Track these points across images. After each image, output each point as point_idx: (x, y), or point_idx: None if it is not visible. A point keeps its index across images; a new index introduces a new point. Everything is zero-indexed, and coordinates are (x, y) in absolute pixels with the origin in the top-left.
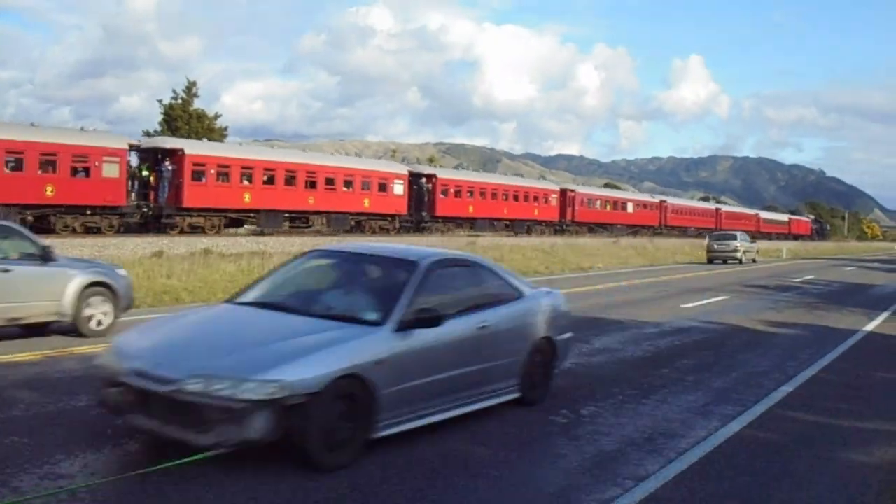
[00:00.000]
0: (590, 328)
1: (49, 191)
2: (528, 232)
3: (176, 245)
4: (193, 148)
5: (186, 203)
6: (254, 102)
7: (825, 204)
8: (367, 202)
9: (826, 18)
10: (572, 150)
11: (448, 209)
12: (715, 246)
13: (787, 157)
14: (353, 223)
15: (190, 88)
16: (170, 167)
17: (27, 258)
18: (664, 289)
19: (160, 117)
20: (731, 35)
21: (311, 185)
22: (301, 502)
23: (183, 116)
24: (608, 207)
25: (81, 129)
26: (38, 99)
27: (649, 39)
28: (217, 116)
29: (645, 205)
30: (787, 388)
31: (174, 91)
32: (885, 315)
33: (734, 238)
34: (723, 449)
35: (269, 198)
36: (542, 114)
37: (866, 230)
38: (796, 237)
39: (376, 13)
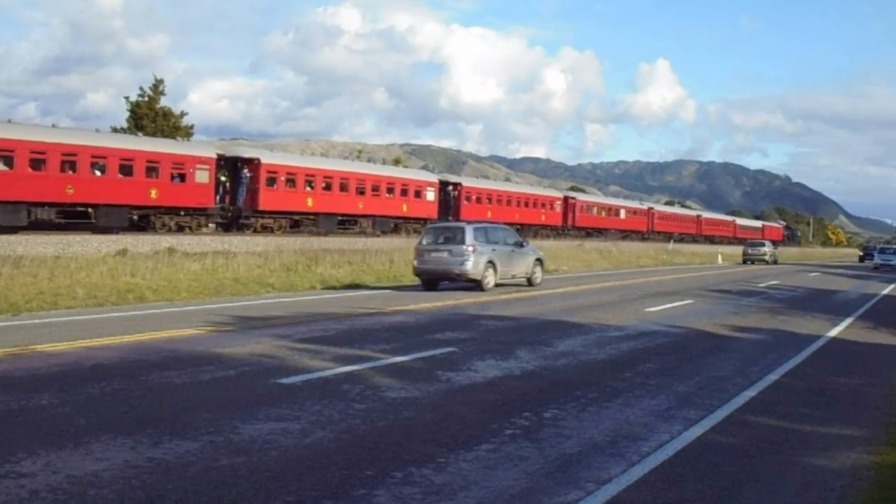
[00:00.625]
0: (553, 331)
1: (153, 194)
2: (535, 236)
3: (140, 244)
4: (268, 158)
5: (262, 206)
6: (220, 101)
7: (791, 209)
8: (405, 207)
9: (792, 25)
10: (538, 152)
11: (471, 213)
12: (749, 251)
13: (753, 162)
14: (392, 225)
15: (157, 86)
16: (248, 174)
17: (516, 244)
18: (628, 292)
19: (127, 115)
20: (698, 40)
21: (361, 191)
22: None
23: (149, 114)
24: (603, 214)
25: (175, 138)
26: (3, 95)
27: (616, 43)
28: (183, 114)
29: (635, 211)
30: (750, 393)
31: (141, 88)
32: (848, 321)
33: (763, 245)
34: (685, 453)
35: (328, 202)
36: (509, 116)
37: (831, 236)
38: (772, 243)
39: (344, 13)
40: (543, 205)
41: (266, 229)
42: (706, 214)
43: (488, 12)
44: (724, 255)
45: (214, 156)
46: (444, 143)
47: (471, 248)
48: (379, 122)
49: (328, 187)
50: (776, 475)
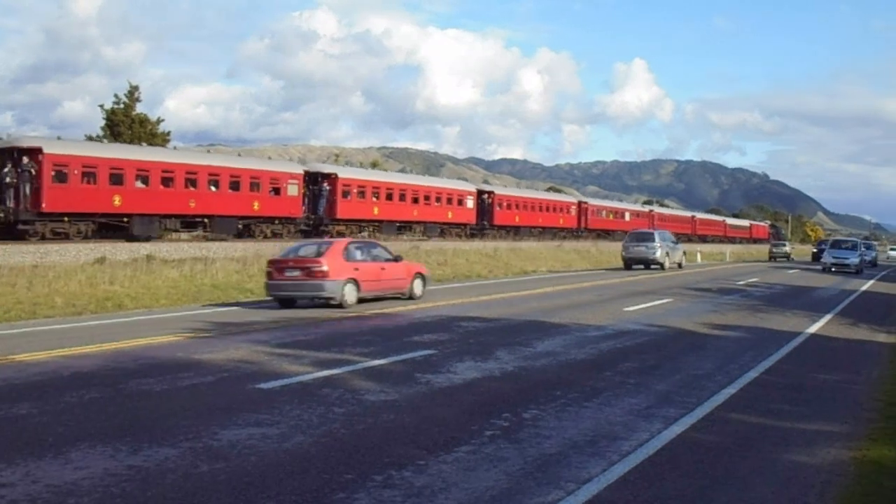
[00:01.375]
0: (532, 332)
1: (255, 206)
2: (553, 237)
3: (118, 251)
4: (344, 173)
5: (339, 215)
6: (197, 107)
7: (769, 207)
8: (450, 214)
9: (767, 24)
10: (516, 154)
11: (503, 219)
12: (774, 249)
13: (731, 160)
14: (439, 230)
15: (132, 93)
16: (327, 187)
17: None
18: (607, 292)
19: (103, 122)
20: (674, 40)
21: (415, 200)
22: None
23: (125, 121)
24: (612, 217)
25: (269, 158)
26: None
27: (593, 44)
28: (160, 121)
29: (638, 214)
30: (729, 391)
31: (116, 96)
32: (827, 317)
33: (785, 245)
34: (665, 451)
35: (389, 211)
36: (486, 118)
37: (810, 233)
38: (756, 241)
39: (320, 17)
40: (561, 209)
41: (341, 234)
42: (699, 215)
43: (464, 14)
44: (704, 254)
45: (302, 172)
46: (422, 146)
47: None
48: (356, 125)
49: (389, 197)
50: (757, 472)
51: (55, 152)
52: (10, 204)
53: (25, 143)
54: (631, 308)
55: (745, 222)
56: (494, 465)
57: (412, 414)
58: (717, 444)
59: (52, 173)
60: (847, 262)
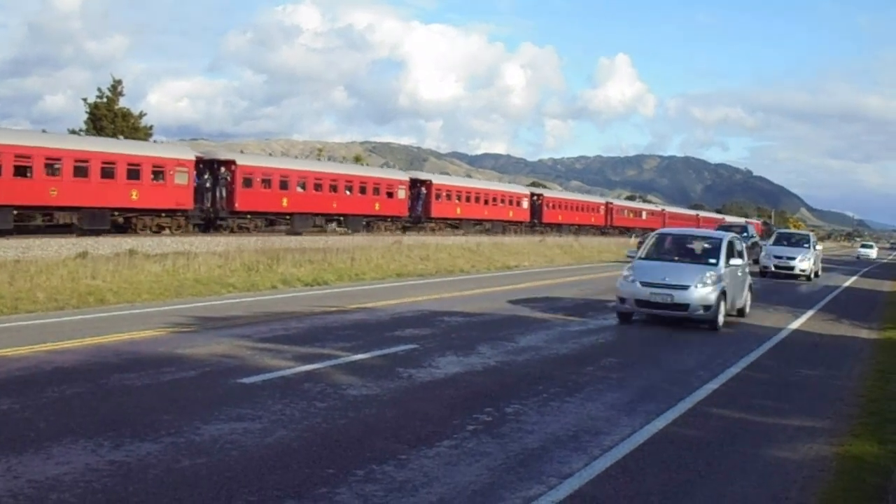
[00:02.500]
0: (514, 327)
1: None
2: (576, 233)
3: (101, 245)
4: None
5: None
6: (180, 101)
7: (752, 203)
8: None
9: (750, 21)
10: (499, 148)
11: (551, 218)
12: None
13: (714, 156)
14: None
15: (115, 87)
16: (423, 191)
17: None
18: (590, 287)
19: (85, 116)
20: (657, 35)
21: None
22: None
23: (108, 115)
24: (631, 215)
25: (364, 164)
26: None
27: (576, 38)
28: (142, 115)
29: (653, 213)
30: (711, 386)
31: (99, 90)
32: (810, 313)
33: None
34: (648, 446)
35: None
36: (469, 112)
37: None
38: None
39: (303, 11)
40: (592, 209)
41: (435, 230)
42: (703, 213)
43: (448, 9)
44: None
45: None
46: (405, 141)
47: None
48: (338, 120)
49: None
50: (738, 467)
51: (244, 164)
52: (208, 204)
53: (222, 156)
54: (613, 303)
55: (742, 220)
56: (476, 460)
57: (394, 408)
58: (698, 439)
59: (242, 180)
60: (791, 264)
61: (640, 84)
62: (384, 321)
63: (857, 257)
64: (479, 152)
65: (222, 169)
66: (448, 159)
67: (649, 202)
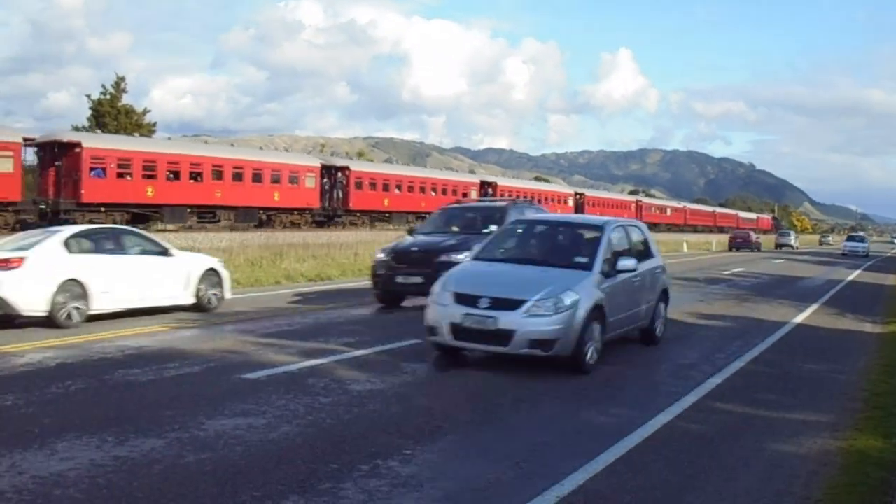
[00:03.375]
0: None
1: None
2: None
3: None
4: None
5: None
6: (182, 98)
7: (755, 197)
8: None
9: (751, 15)
10: (502, 143)
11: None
12: (780, 239)
13: (716, 150)
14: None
15: (118, 84)
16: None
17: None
18: None
19: (88, 113)
20: (659, 30)
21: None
22: None
23: (111, 112)
24: (657, 212)
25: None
26: None
27: (579, 33)
28: (146, 112)
29: (675, 209)
30: (715, 380)
31: (103, 87)
32: (814, 307)
33: (790, 235)
34: (652, 441)
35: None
36: (471, 108)
37: (796, 223)
38: (764, 231)
39: (305, 7)
40: (621, 206)
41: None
42: (719, 210)
43: (450, 5)
44: (691, 244)
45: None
46: (408, 136)
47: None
48: (341, 115)
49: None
50: (742, 462)
51: (356, 169)
52: (327, 203)
53: (339, 163)
54: None
55: (753, 215)
56: (481, 455)
57: (398, 403)
58: (702, 433)
59: (355, 183)
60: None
61: (641, 78)
62: (388, 316)
63: (844, 253)
64: (483, 147)
65: (339, 174)
66: (451, 154)
67: (652, 196)
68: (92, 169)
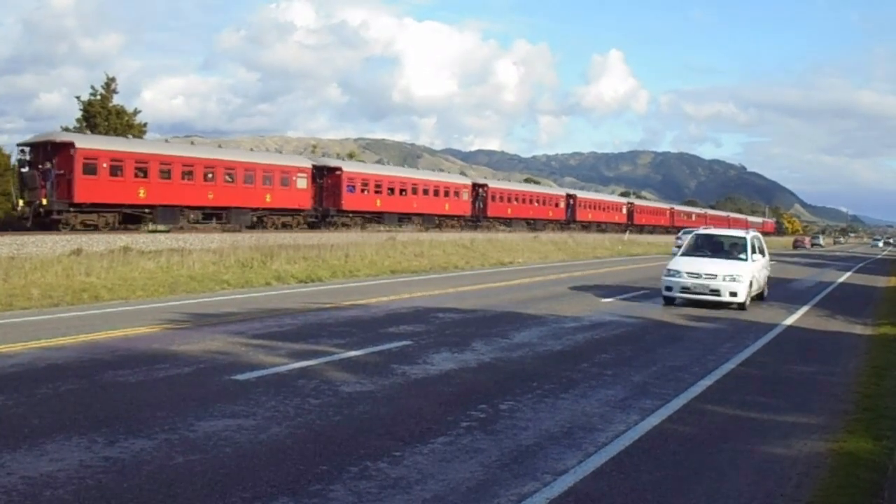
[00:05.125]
0: (509, 323)
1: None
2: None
3: (95, 243)
4: (495, 183)
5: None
6: (174, 98)
7: (746, 199)
8: (550, 213)
9: (743, 17)
10: (493, 145)
11: (582, 216)
12: (880, 244)
13: (707, 152)
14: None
15: (109, 84)
16: (483, 195)
17: None
18: (583, 283)
19: (79, 114)
20: (649, 31)
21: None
22: None
23: (102, 113)
24: (685, 217)
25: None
26: None
27: (570, 35)
28: (136, 112)
29: (699, 215)
30: (706, 382)
31: (93, 87)
32: (804, 309)
33: (880, 240)
34: (642, 443)
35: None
36: (462, 109)
37: (787, 224)
38: (766, 234)
39: (296, 9)
40: (611, 209)
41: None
42: (733, 215)
43: (442, 6)
44: None
45: (470, 184)
46: (399, 137)
47: None
48: (333, 116)
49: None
50: (733, 464)
51: (349, 171)
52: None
53: (331, 164)
54: (608, 299)
55: (760, 219)
56: (471, 457)
57: (388, 405)
58: (693, 435)
59: (347, 185)
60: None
61: (632, 80)
62: (378, 318)
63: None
64: (473, 149)
65: (331, 175)
66: (442, 156)
67: (643, 198)
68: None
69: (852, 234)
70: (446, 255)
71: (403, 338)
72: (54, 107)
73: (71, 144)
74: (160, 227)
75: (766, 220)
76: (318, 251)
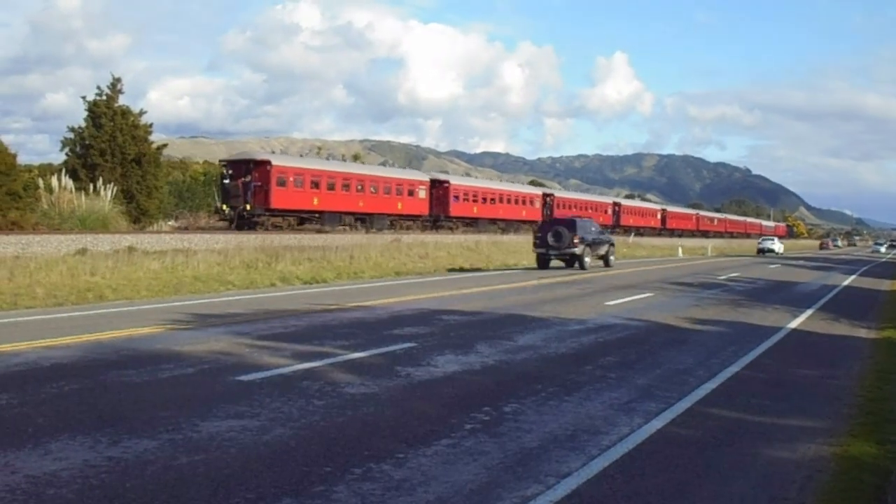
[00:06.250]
0: (513, 325)
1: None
2: (640, 234)
3: (100, 243)
4: (456, 180)
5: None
6: (180, 99)
7: (751, 202)
8: (524, 213)
9: (747, 19)
10: (498, 147)
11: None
12: (830, 244)
13: (711, 154)
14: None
15: (115, 85)
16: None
17: None
18: (588, 286)
19: (85, 114)
20: (654, 34)
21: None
22: None
23: (107, 113)
24: (708, 221)
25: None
26: None
27: (574, 37)
28: (142, 113)
29: (720, 220)
30: (710, 385)
31: (98, 88)
32: (809, 312)
33: (836, 241)
34: (646, 446)
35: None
36: (468, 111)
37: (793, 228)
38: (780, 237)
39: (302, 10)
40: (648, 215)
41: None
42: (749, 219)
43: (447, 8)
44: (686, 249)
45: (428, 180)
46: (404, 139)
47: None
48: (338, 118)
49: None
50: (737, 467)
51: (455, 183)
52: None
53: (442, 177)
54: (612, 302)
55: (772, 223)
56: (474, 459)
57: (392, 407)
58: (697, 438)
59: (453, 196)
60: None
61: (637, 82)
62: (383, 319)
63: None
64: (479, 151)
65: (441, 186)
66: (447, 157)
67: (648, 200)
68: (454, 197)
69: (857, 237)
70: (451, 257)
71: (408, 340)
72: (60, 107)
73: (268, 162)
74: (325, 228)
75: (777, 224)
76: (323, 252)
